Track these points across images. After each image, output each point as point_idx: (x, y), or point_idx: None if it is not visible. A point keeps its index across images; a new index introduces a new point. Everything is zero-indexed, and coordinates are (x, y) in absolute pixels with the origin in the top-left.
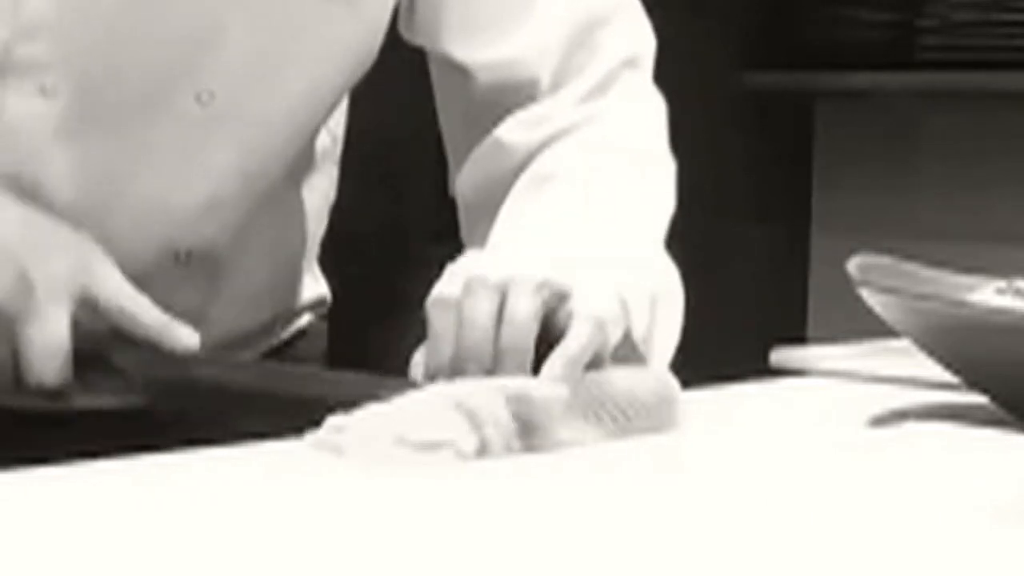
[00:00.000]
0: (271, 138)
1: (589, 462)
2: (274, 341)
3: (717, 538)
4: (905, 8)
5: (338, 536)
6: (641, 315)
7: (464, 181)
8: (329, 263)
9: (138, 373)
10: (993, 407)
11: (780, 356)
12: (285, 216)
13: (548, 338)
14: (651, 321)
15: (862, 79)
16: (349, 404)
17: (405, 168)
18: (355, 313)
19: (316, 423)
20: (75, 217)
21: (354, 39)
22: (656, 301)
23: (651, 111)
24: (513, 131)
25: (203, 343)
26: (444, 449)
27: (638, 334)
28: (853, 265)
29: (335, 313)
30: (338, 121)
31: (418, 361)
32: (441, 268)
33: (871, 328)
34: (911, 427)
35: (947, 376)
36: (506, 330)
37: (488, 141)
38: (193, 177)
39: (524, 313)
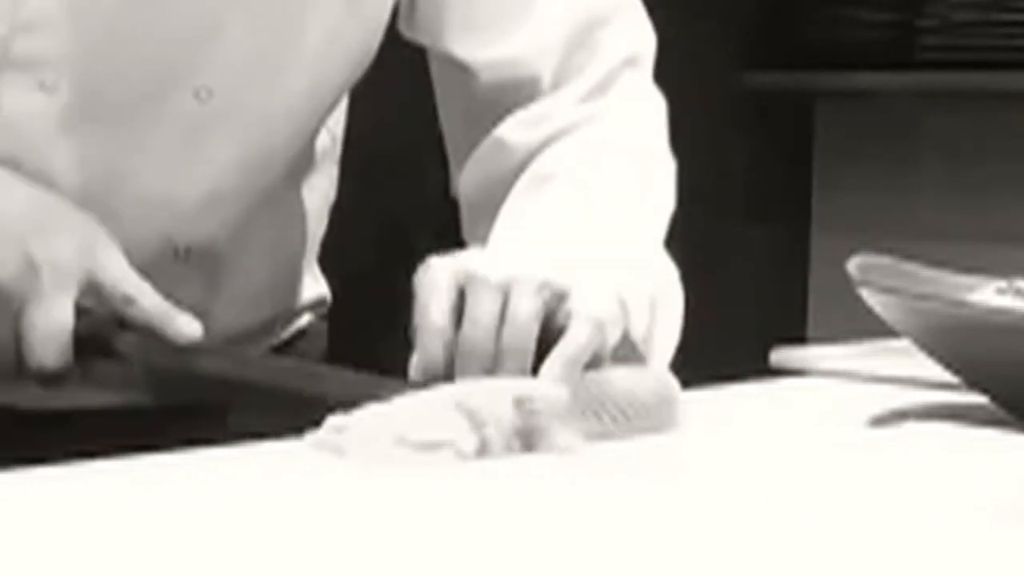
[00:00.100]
0: (270, 136)
1: (589, 462)
2: (274, 340)
3: (717, 538)
4: (905, 8)
5: (338, 536)
6: (640, 315)
7: (465, 181)
8: (329, 263)
9: (139, 360)
10: (993, 407)
11: (780, 356)
12: (285, 215)
13: (547, 338)
14: (651, 321)
15: (862, 79)
16: (349, 404)
17: (406, 168)
18: (355, 313)
19: (316, 422)
20: None
21: (354, 37)
22: (656, 301)
23: (651, 110)
24: (513, 130)
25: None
26: (444, 449)
27: (637, 334)
28: (853, 265)
29: (335, 313)
30: (338, 121)
31: (416, 362)
32: None
33: (871, 328)
34: (911, 427)
35: (947, 376)
36: (508, 330)
37: (489, 140)
38: (192, 173)
39: (526, 313)
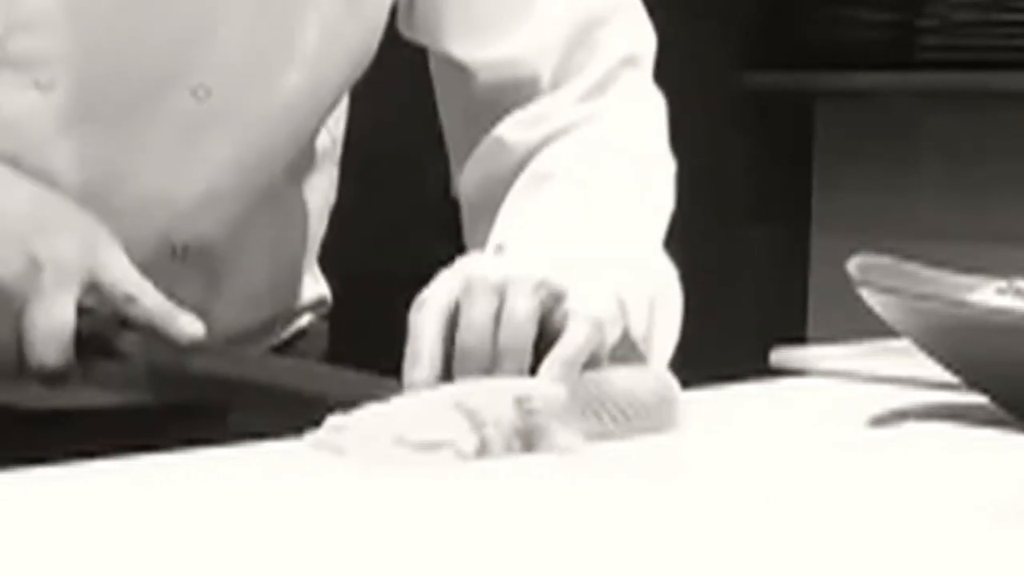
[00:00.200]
0: (268, 135)
1: (589, 462)
2: (274, 340)
3: (717, 538)
4: (905, 8)
5: (338, 536)
6: (640, 315)
7: (465, 181)
8: (329, 263)
9: (140, 359)
10: (993, 407)
11: (780, 356)
12: (285, 215)
13: (545, 338)
14: (650, 321)
15: (862, 79)
16: (349, 403)
17: (406, 169)
18: (355, 313)
19: (316, 422)
20: None
21: (352, 36)
22: (655, 301)
23: (651, 110)
24: (513, 130)
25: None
26: (444, 449)
27: (637, 334)
28: (853, 265)
29: (335, 313)
30: (338, 121)
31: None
32: (443, 268)
33: (871, 328)
34: (911, 427)
35: (947, 376)
36: (505, 331)
37: (488, 140)
38: (190, 172)
39: (522, 314)
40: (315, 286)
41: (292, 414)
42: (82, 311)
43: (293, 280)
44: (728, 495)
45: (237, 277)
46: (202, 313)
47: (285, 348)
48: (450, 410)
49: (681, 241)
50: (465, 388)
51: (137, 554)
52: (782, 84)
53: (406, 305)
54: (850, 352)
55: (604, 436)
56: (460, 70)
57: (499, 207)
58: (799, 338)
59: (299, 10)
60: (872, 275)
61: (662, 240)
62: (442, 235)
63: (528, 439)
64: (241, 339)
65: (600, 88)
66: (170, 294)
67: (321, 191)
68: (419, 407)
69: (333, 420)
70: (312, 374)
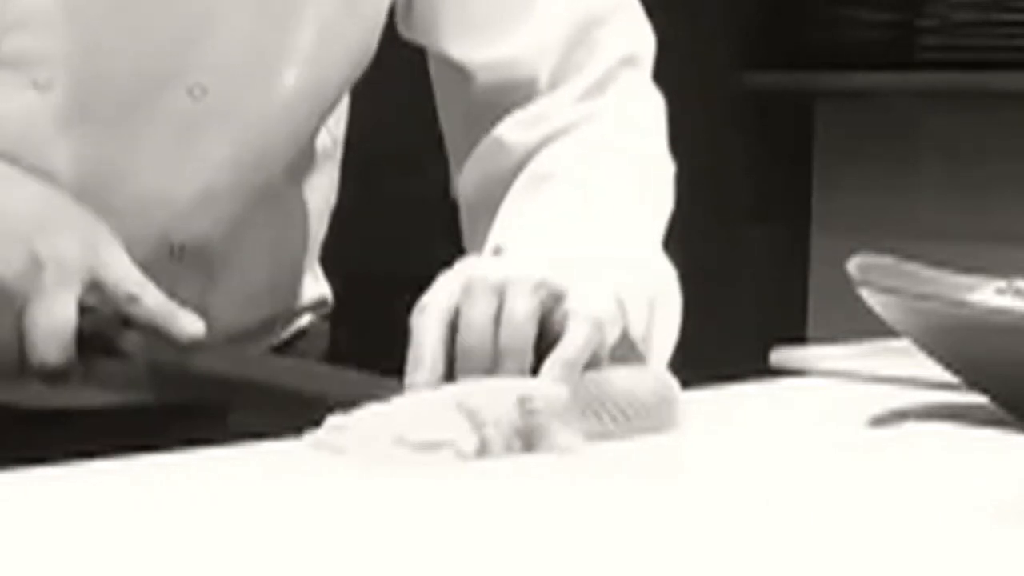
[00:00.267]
0: (266, 134)
1: (589, 462)
2: (274, 340)
3: (717, 538)
4: (905, 8)
5: (338, 536)
6: (639, 315)
7: (464, 181)
8: (330, 264)
9: (141, 358)
10: (993, 407)
11: (780, 356)
12: (285, 215)
13: (546, 338)
14: (649, 321)
15: (862, 79)
16: (349, 403)
17: (407, 169)
18: (356, 313)
19: (316, 422)
20: None
21: (350, 35)
22: (654, 301)
23: (650, 110)
24: (512, 130)
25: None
26: (444, 449)
27: (636, 334)
28: (853, 265)
29: (335, 313)
30: (339, 121)
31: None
32: (444, 268)
33: (871, 328)
34: (911, 427)
35: (947, 376)
36: (505, 331)
37: (487, 141)
38: (186, 171)
39: (522, 314)
40: (316, 286)
41: (292, 414)
42: (83, 310)
43: (293, 280)
44: (728, 495)
45: (236, 276)
46: (200, 312)
47: (285, 348)
48: (450, 410)
49: (681, 241)
50: (465, 388)
51: (137, 554)
52: (782, 84)
53: (407, 305)
54: (850, 352)
55: (604, 436)
56: (459, 71)
57: (498, 207)
58: (799, 338)
59: (297, 9)
60: (872, 275)
61: (662, 240)
62: (443, 236)
63: (528, 439)
64: (241, 339)
65: (599, 88)
66: (169, 293)
67: (322, 191)
68: (419, 407)
69: (333, 420)
70: (312, 374)
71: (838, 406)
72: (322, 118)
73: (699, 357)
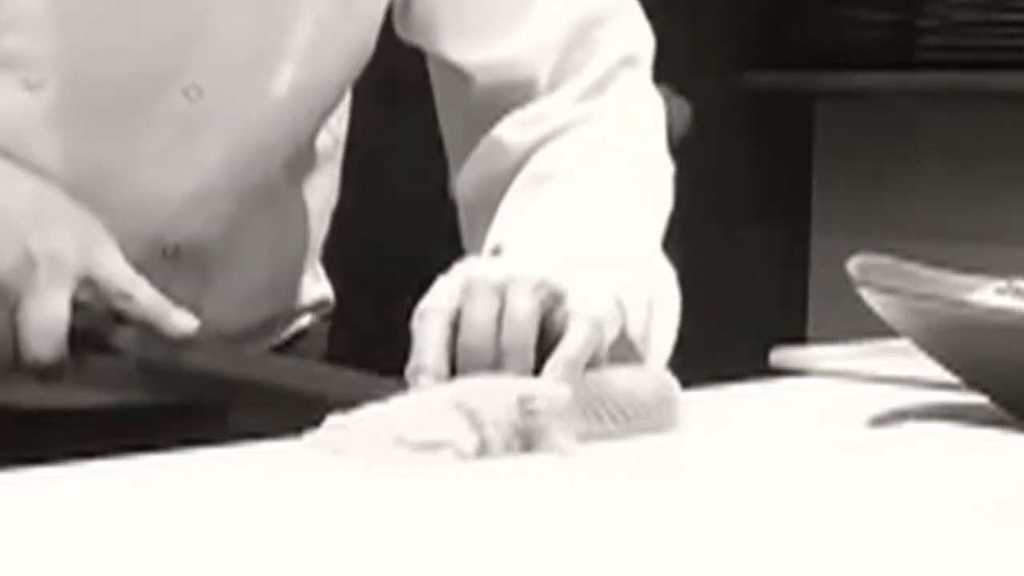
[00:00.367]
0: (262, 135)
1: (589, 462)
2: (275, 340)
3: (717, 538)
4: (905, 8)
5: (338, 536)
6: (638, 315)
7: (463, 181)
8: (330, 264)
9: (134, 355)
10: (993, 407)
11: (780, 356)
12: (285, 215)
13: (546, 338)
14: (648, 321)
15: (862, 79)
16: (348, 403)
17: (407, 170)
18: (356, 314)
19: (316, 422)
20: None
21: (347, 35)
22: (653, 301)
23: (649, 111)
24: (511, 130)
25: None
26: (444, 449)
27: (635, 334)
28: (853, 265)
29: (336, 314)
30: (340, 121)
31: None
32: (444, 268)
33: (871, 328)
34: (911, 427)
35: (947, 376)
36: (507, 330)
37: (486, 141)
38: (182, 172)
39: (523, 313)
40: (317, 286)
41: (292, 414)
42: (77, 307)
43: (293, 280)
44: (728, 495)
45: (234, 276)
46: (195, 312)
47: (286, 348)
48: (450, 410)
49: (681, 241)
50: (465, 388)
51: (137, 554)
52: (782, 84)
53: (407, 306)
54: (850, 352)
55: (604, 436)
56: (457, 72)
57: (497, 207)
58: (799, 338)
59: (293, 9)
60: (872, 275)
61: (661, 240)
62: (443, 236)
63: (528, 439)
64: (240, 338)
65: (599, 88)
66: (164, 293)
67: (322, 191)
68: (419, 407)
69: (333, 420)
70: (312, 374)
71: (838, 406)
72: (321, 118)
73: (699, 357)
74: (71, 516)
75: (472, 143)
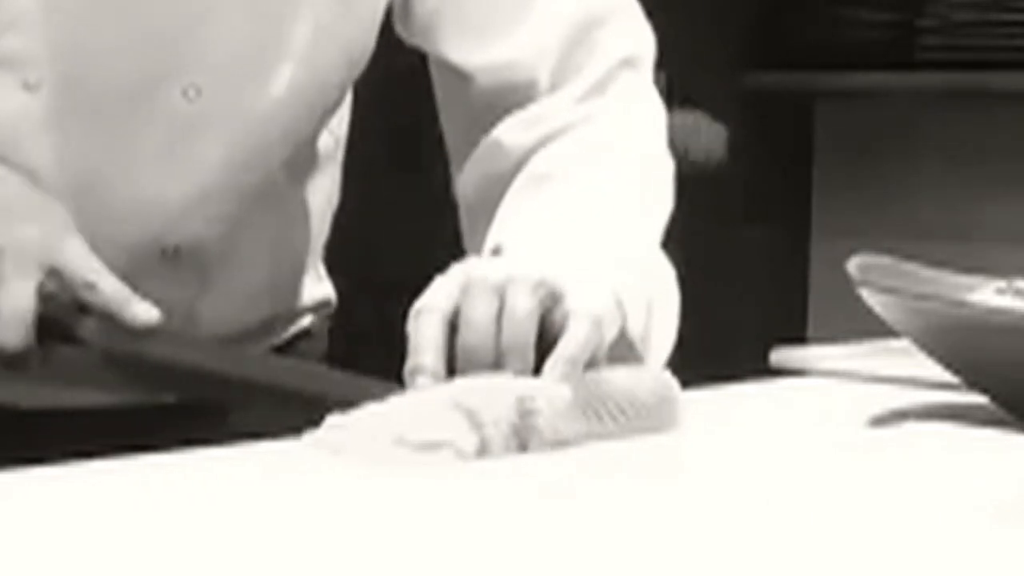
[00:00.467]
0: (262, 135)
1: (589, 462)
2: (275, 340)
3: (717, 538)
4: (905, 8)
5: (338, 536)
6: (637, 315)
7: (464, 182)
8: (332, 264)
9: (97, 345)
10: (993, 407)
11: (780, 356)
12: (285, 215)
13: (545, 338)
14: (647, 321)
15: (862, 79)
16: (347, 404)
17: (410, 170)
18: (357, 315)
19: (315, 422)
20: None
21: (345, 34)
22: (652, 301)
23: (650, 111)
24: (511, 131)
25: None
26: (444, 449)
27: (634, 334)
28: (853, 265)
29: (337, 314)
30: (341, 122)
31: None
32: (445, 269)
33: (871, 328)
34: (911, 427)
35: (947, 376)
36: (507, 330)
37: (487, 141)
38: (181, 173)
39: (522, 312)
40: (319, 287)
41: (291, 414)
42: (43, 297)
43: (294, 280)
44: (728, 495)
45: (234, 277)
46: (194, 311)
47: (287, 348)
48: (450, 410)
49: (681, 241)
50: (465, 388)
51: (136, 554)
52: (782, 84)
53: (407, 307)
54: (850, 352)
55: (604, 436)
56: (458, 74)
57: (498, 208)
58: (799, 338)
59: (291, 8)
60: (872, 275)
61: (661, 240)
62: (444, 237)
63: (528, 439)
64: (241, 338)
65: (599, 89)
66: (160, 294)
67: (324, 192)
68: (419, 407)
69: (333, 419)
70: (311, 374)
71: (838, 406)
72: (321, 118)
73: (699, 357)
74: (70, 516)
75: (473, 144)
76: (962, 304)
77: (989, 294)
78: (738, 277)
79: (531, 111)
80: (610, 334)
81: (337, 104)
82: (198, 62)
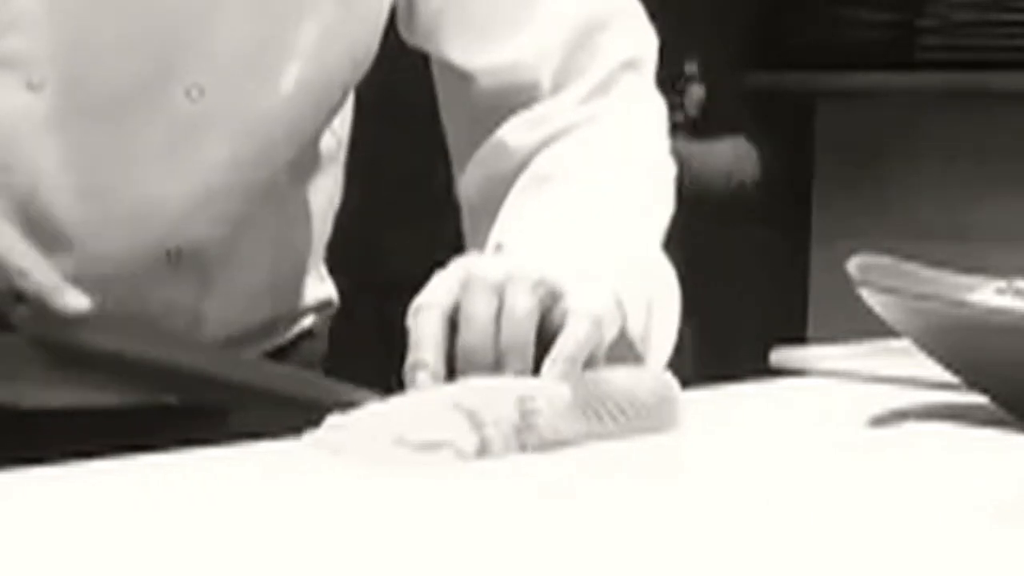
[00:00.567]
0: (265, 136)
1: (589, 462)
2: (277, 341)
3: (717, 538)
4: (905, 8)
5: (338, 536)
6: (637, 315)
7: (466, 183)
8: (333, 265)
9: (28, 333)
10: (993, 407)
11: (780, 356)
12: (287, 216)
13: (544, 337)
14: (647, 321)
15: (862, 79)
16: (346, 405)
17: (411, 171)
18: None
19: (315, 423)
20: (67, 211)
21: (349, 34)
22: (652, 301)
23: (651, 113)
24: (514, 132)
25: (201, 340)
26: (444, 449)
27: (635, 333)
28: (853, 265)
29: (340, 315)
30: (343, 123)
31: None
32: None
33: (871, 328)
34: (911, 427)
35: (947, 376)
36: (506, 329)
37: (489, 142)
38: (184, 173)
39: (522, 310)
40: (320, 287)
41: (290, 416)
42: None
43: (296, 281)
44: (728, 495)
45: (235, 277)
46: (197, 312)
47: (289, 348)
48: (450, 410)
49: (682, 241)
50: (465, 388)
51: (136, 554)
52: (782, 84)
53: (407, 308)
54: (850, 352)
55: (604, 436)
56: (461, 75)
57: (500, 208)
58: (799, 338)
59: (295, 8)
60: (872, 275)
61: (661, 241)
62: (446, 238)
63: (528, 439)
64: (242, 339)
65: (601, 90)
66: (164, 295)
67: (325, 192)
68: (418, 407)
69: (332, 419)
70: (306, 382)
71: (838, 406)
72: (324, 118)
73: (699, 357)
74: (70, 516)
75: (475, 145)
76: (962, 304)
77: (989, 294)
78: (738, 277)
79: (534, 112)
80: (610, 334)
81: (340, 104)
82: (201, 62)
